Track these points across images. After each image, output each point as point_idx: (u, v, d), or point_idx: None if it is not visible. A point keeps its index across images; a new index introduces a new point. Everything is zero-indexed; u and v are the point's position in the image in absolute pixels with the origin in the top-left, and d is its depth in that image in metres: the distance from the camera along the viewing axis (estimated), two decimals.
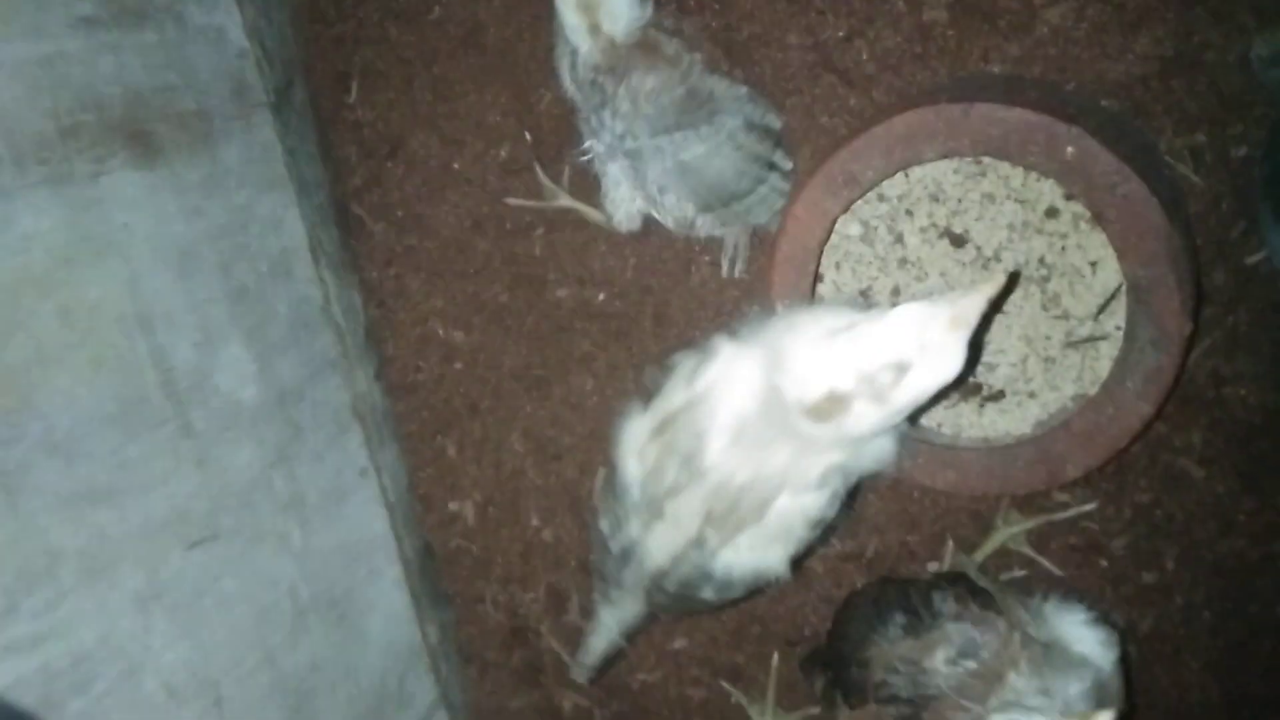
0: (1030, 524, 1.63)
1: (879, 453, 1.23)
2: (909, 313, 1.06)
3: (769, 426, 1.16)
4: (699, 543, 1.26)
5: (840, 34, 1.57)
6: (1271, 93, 1.26)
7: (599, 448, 1.90)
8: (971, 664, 1.20)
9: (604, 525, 1.39)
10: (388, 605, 1.93)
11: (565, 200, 1.75)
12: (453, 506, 2.02)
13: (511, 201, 1.81)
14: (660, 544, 1.30)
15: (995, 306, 1.14)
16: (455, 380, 1.96)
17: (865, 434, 1.13)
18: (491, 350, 1.92)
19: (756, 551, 1.28)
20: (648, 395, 1.31)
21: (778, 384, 1.12)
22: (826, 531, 1.30)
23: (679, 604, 1.38)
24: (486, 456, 1.97)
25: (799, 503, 1.23)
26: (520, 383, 1.92)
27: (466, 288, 1.90)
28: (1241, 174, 1.44)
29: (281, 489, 1.70)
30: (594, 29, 1.42)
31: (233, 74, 1.70)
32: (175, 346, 1.52)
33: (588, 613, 1.93)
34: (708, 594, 1.33)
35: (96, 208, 1.41)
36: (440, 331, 1.94)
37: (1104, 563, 1.66)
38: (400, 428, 2.00)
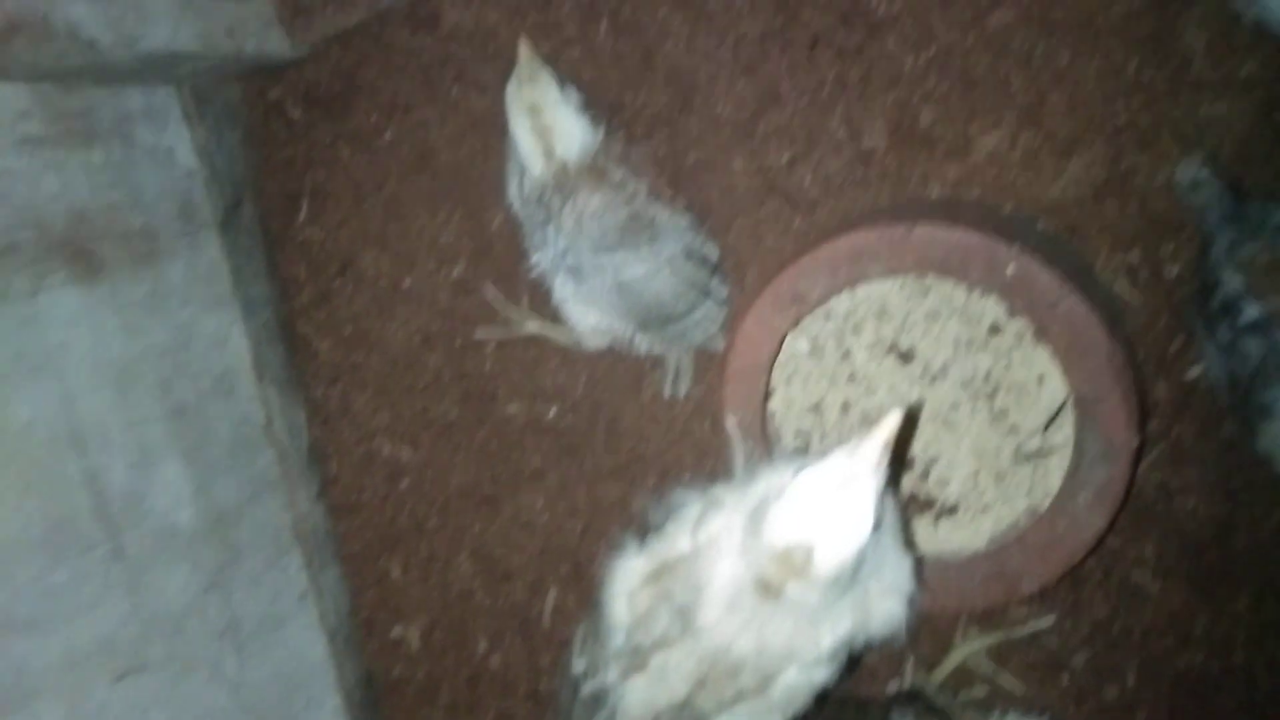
0: (990, 640, 1.61)
1: (889, 616, 1.18)
2: (800, 488, 1.04)
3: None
4: (685, 706, 1.19)
5: (784, 160, 1.62)
6: (1195, 215, 1.32)
7: (550, 567, 1.86)
8: None
9: (577, 665, 1.32)
10: None
11: (533, 326, 1.76)
12: (396, 631, 1.95)
13: (480, 332, 1.80)
14: (640, 698, 1.23)
15: (904, 443, 1.11)
16: (401, 499, 1.91)
17: (822, 598, 1.08)
18: (439, 468, 1.88)
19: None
20: (644, 532, 1.26)
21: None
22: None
23: None
24: (433, 578, 1.91)
25: (808, 677, 1.18)
26: (469, 501, 1.88)
27: (414, 404, 1.88)
28: (1176, 291, 1.49)
29: (216, 615, 1.62)
30: (548, 153, 1.47)
31: (180, 193, 1.69)
32: (109, 467, 1.47)
33: None
34: None
35: (33, 325, 1.38)
36: (386, 449, 1.91)
37: (1065, 679, 1.64)
38: (342, 549, 1.94)
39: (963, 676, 1.63)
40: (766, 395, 1.49)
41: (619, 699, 1.24)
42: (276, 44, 1.73)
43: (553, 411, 1.82)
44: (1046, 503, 1.40)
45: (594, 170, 1.48)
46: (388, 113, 1.81)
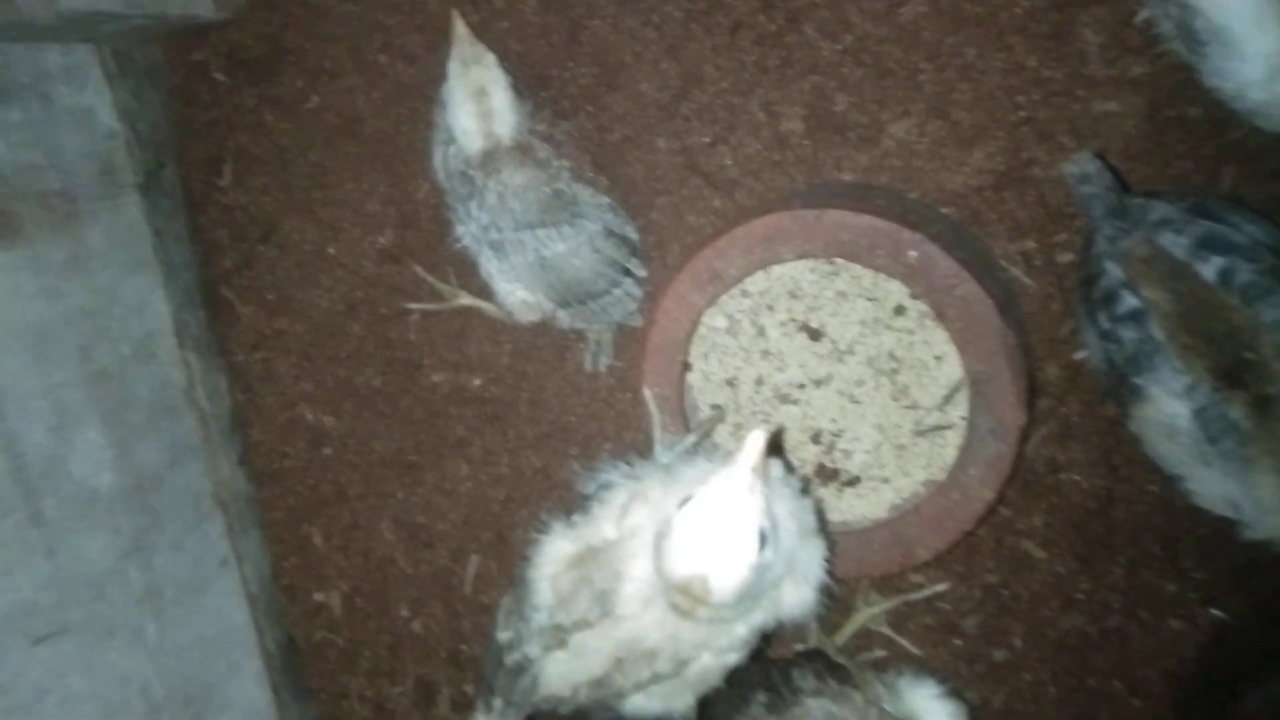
0: (889, 605, 1.70)
1: (800, 603, 1.23)
2: (684, 523, 1.06)
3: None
4: (603, 683, 1.25)
5: (706, 140, 1.67)
6: (1083, 208, 1.40)
7: (473, 535, 1.89)
8: None
9: (501, 636, 1.36)
10: (247, 701, 1.86)
11: (464, 299, 1.78)
12: (318, 597, 1.97)
13: (413, 306, 1.82)
14: (560, 672, 1.28)
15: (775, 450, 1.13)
16: (323, 466, 1.93)
17: (735, 610, 1.13)
18: (362, 436, 1.90)
19: (669, 699, 1.28)
20: (572, 504, 1.30)
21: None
22: None
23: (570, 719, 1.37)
24: (354, 545, 1.94)
25: (720, 661, 1.24)
26: (392, 469, 1.90)
27: (338, 372, 1.89)
28: (1068, 277, 1.58)
29: (137, 580, 1.63)
30: (487, 134, 1.49)
31: (101, 155, 1.68)
32: (27, 431, 1.47)
33: (459, 706, 1.90)
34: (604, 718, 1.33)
35: None
36: (309, 416, 1.92)
37: (958, 641, 1.74)
38: (264, 515, 1.95)
39: (863, 638, 1.72)
40: (684, 370, 1.54)
41: (540, 671, 1.29)
42: (202, 6, 1.72)
43: (477, 381, 1.85)
44: (942, 475, 1.49)
45: (520, 148, 1.51)
46: (314, 78, 1.81)
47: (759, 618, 1.20)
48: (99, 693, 1.52)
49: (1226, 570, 1.59)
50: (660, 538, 1.11)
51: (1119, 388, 1.32)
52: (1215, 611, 1.61)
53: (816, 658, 1.37)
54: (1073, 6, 1.51)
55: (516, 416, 1.85)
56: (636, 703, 1.28)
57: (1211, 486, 1.25)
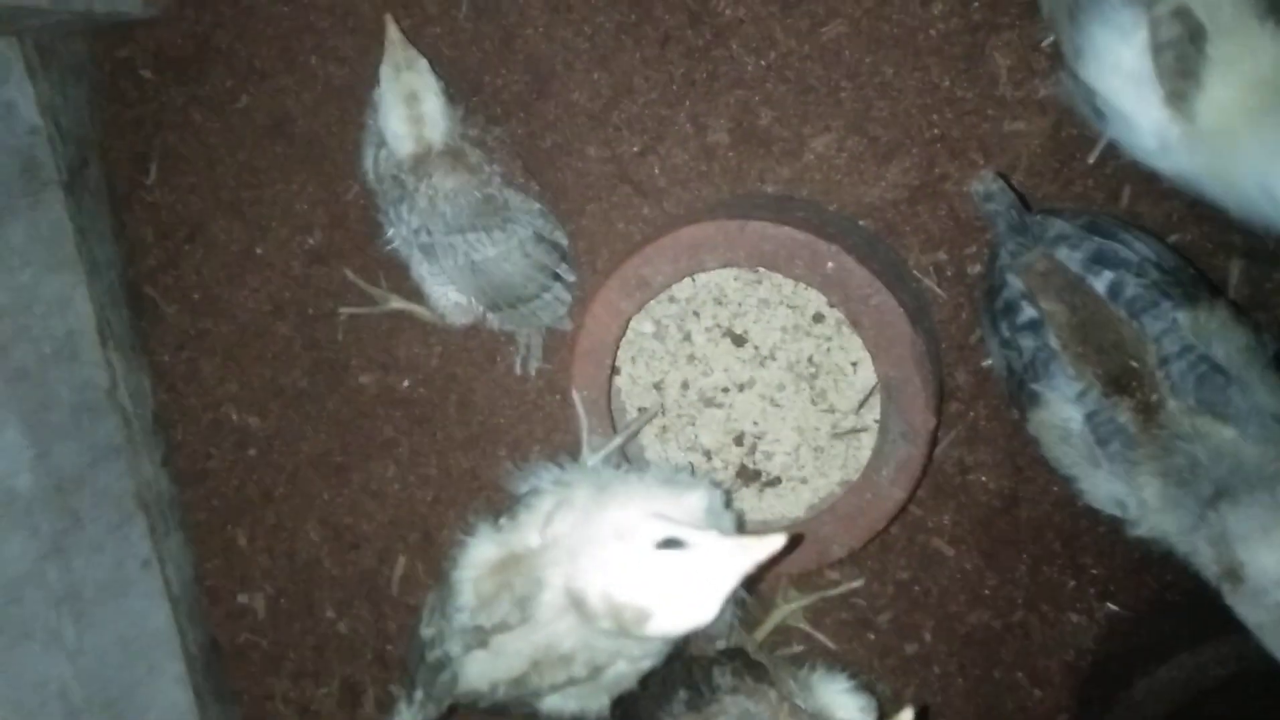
0: (806, 601, 1.76)
1: (721, 618, 1.20)
2: (656, 559, 1.07)
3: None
4: (521, 682, 1.28)
5: (635, 149, 1.71)
6: (988, 221, 1.47)
7: (400, 535, 1.91)
8: None
9: (425, 633, 1.38)
10: (169, 704, 1.84)
11: (396, 303, 1.79)
12: (242, 599, 1.96)
13: (344, 310, 1.82)
14: (480, 671, 1.31)
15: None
16: (248, 467, 1.92)
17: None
18: (288, 436, 1.90)
19: (585, 700, 1.32)
20: (500, 513, 1.31)
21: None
22: None
23: (490, 713, 1.40)
24: (279, 546, 1.93)
25: (635, 667, 1.28)
26: (318, 470, 1.91)
27: (264, 372, 1.89)
28: (976, 288, 1.65)
29: (55, 582, 1.61)
30: (418, 138, 1.52)
31: (22, 151, 1.65)
32: None
33: (384, 707, 1.90)
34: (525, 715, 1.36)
35: None
36: (234, 417, 1.91)
37: (872, 636, 1.80)
38: (188, 516, 1.94)
39: (782, 634, 1.78)
40: (612, 373, 1.58)
41: (460, 668, 1.32)
42: (129, 2, 1.70)
43: (406, 383, 1.86)
44: (857, 476, 1.55)
45: (452, 152, 1.53)
46: (244, 78, 1.81)
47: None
48: (14, 697, 1.51)
49: (1121, 566, 1.68)
50: (586, 545, 1.13)
51: (1018, 393, 1.39)
52: (1111, 605, 1.71)
53: (736, 655, 1.41)
54: (985, 30, 1.59)
55: (445, 418, 1.87)
56: (553, 702, 1.32)
57: (1101, 487, 1.33)
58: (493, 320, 1.69)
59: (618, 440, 1.56)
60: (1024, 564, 1.73)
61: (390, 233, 1.63)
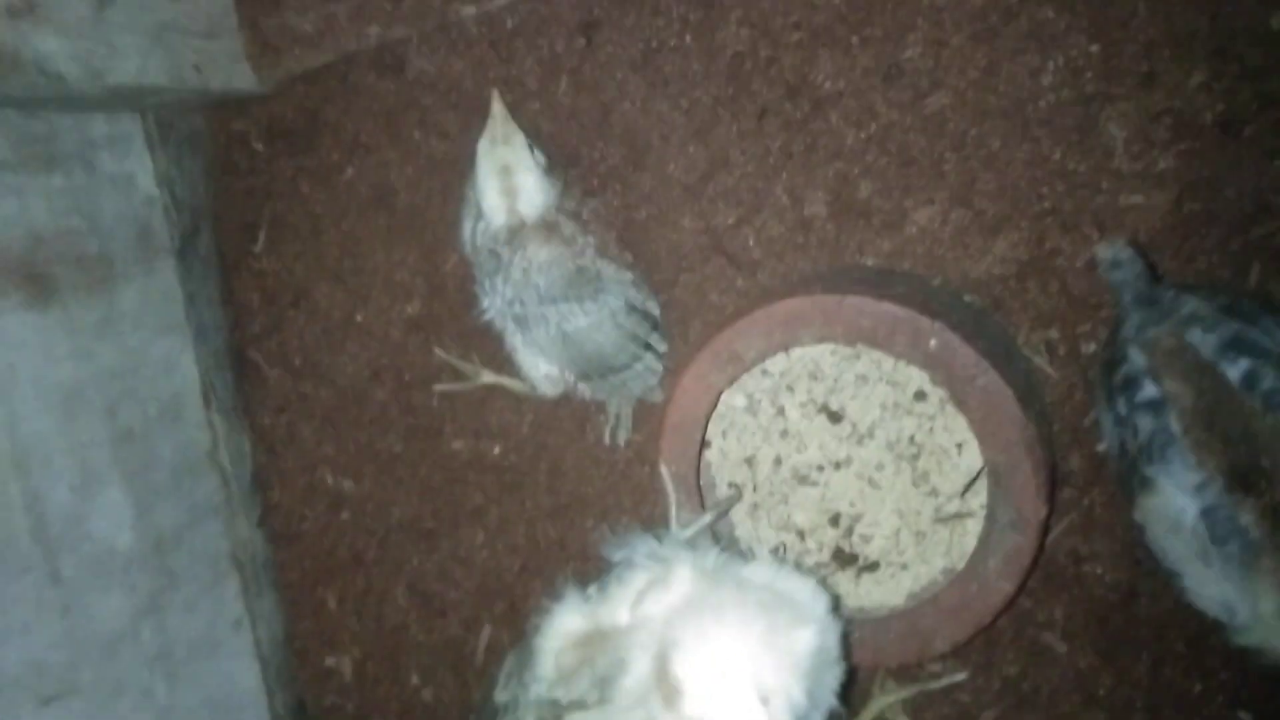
0: (905, 693, 1.67)
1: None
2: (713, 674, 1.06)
3: None
4: None
5: (730, 221, 1.69)
6: (1112, 292, 1.39)
7: (486, 604, 1.89)
8: None
9: (499, 698, 1.35)
10: None
11: (488, 377, 1.80)
12: (330, 661, 1.96)
13: (439, 387, 1.84)
14: None
15: None
16: (341, 530, 1.93)
17: None
18: (381, 500, 1.91)
19: None
20: (589, 581, 1.28)
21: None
22: None
23: None
24: (368, 610, 1.94)
25: None
26: (408, 534, 1.91)
27: (360, 437, 1.91)
28: (1091, 368, 1.57)
29: (149, 640, 1.63)
30: (511, 211, 1.54)
31: (139, 219, 1.72)
32: (50, 490, 1.49)
33: None
34: None
35: None
36: (329, 480, 1.93)
37: None
38: (280, 577, 1.96)
39: None
40: (702, 447, 1.54)
41: None
42: (243, 79, 1.77)
43: (497, 450, 1.86)
44: (962, 564, 1.47)
45: (546, 225, 1.54)
46: (350, 151, 1.85)
47: None
48: None
49: (1254, 672, 1.55)
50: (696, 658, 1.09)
51: (1129, 475, 1.30)
52: (1243, 715, 1.57)
53: None
54: (1099, 101, 1.52)
55: (534, 486, 1.85)
56: None
57: (1209, 587, 1.23)
58: (584, 390, 1.67)
59: (706, 519, 1.51)
60: (1143, 664, 1.61)
61: (485, 303, 1.64)
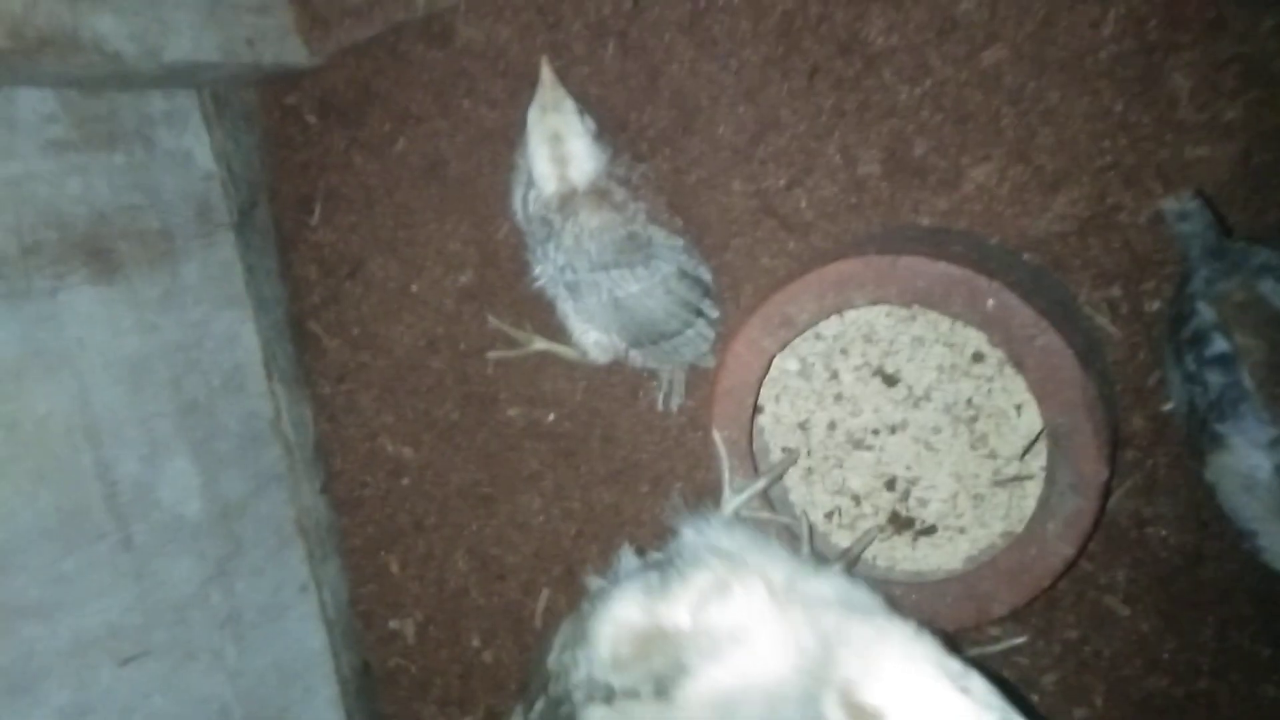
0: (963, 657, 1.65)
1: None
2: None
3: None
4: None
5: (781, 183, 1.67)
6: (1179, 246, 1.35)
7: (543, 568, 1.91)
8: None
9: (550, 662, 1.32)
10: None
11: (540, 344, 1.81)
12: (393, 624, 2.01)
13: (492, 355, 1.86)
14: None
15: None
16: (401, 496, 1.97)
17: None
18: (439, 467, 1.94)
19: None
20: (646, 550, 1.25)
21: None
22: None
23: None
24: (429, 574, 1.97)
25: None
26: (466, 500, 1.94)
27: (417, 405, 1.94)
28: (1155, 326, 1.53)
29: (219, 604, 1.69)
30: (562, 178, 1.54)
31: (198, 194, 1.75)
32: (121, 460, 1.53)
33: None
34: None
35: (51, 322, 1.44)
36: (389, 447, 1.97)
37: (1036, 698, 1.68)
38: (344, 543, 2.00)
39: None
40: (755, 412, 1.53)
41: (579, 714, 1.23)
42: (294, 53, 1.79)
43: (551, 417, 1.87)
44: (1021, 528, 1.45)
45: (598, 191, 1.54)
46: (400, 122, 1.86)
47: None
48: (181, 713, 1.58)
49: None
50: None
51: (1199, 434, 1.27)
52: None
53: None
54: (1162, 50, 1.47)
55: (589, 452, 1.86)
56: None
57: None
58: (635, 357, 1.68)
59: (760, 484, 1.51)
60: (1209, 628, 1.58)
61: (537, 271, 1.65)
